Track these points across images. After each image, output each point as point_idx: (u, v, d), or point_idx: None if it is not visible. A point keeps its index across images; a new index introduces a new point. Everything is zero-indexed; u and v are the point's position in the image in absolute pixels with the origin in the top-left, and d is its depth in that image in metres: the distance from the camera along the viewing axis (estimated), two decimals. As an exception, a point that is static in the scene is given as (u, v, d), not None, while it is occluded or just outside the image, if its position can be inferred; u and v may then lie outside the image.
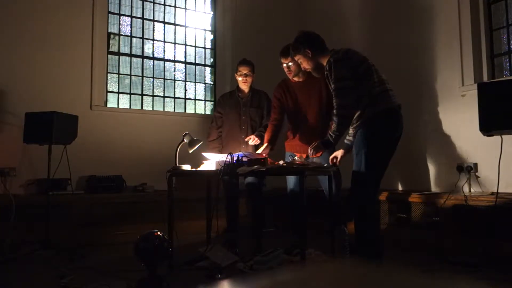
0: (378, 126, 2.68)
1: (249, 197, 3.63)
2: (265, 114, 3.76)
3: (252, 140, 3.53)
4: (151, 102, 5.01)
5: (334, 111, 2.74)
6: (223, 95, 3.98)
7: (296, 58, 2.97)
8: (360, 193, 2.68)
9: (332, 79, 2.72)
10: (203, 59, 5.44)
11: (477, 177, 3.56)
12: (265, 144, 3.41)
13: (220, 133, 3.81)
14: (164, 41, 5.14)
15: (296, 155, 3.40)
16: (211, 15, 5.52)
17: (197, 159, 3.18)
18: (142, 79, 4.96)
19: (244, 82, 3.70)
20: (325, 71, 2.82)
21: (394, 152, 2.79)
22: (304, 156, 3.35)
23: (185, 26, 5.31)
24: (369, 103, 2.68)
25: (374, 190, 2.76)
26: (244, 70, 3.67)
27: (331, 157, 2.97)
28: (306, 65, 2.93)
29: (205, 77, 5.47)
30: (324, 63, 2.86)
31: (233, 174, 2.77)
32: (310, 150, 2.92)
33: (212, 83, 5.48)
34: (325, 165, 3.04)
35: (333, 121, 2.80)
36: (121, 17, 4.85)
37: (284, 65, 3.38)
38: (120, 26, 4.84)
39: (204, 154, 3.11)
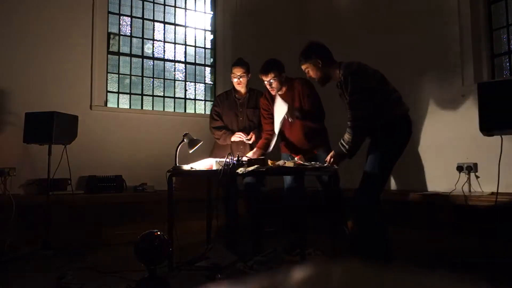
0: (396, 130, 2.73)
1: (247, 197, 3.62)
2: None
3: (250, 138, 3.52)
4: (151, 102, 5.01)
5: (349, 123, 2.72)
6: (219, 95, 3.96)
7: (303, 66, 2.92)
8: (372, 193, 2.70)
9: (347, 92, 2.71)
10: (203, 59, 5.44)
11: (477, 177, 3.56)
12: (255, 149, 3.39)
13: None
14: (164, 41, 5.14)
15: (295, 157, 3.41)
16: (211, 15, 5.52)
17: (197, 159, 3.18)
18: (142, 79, 4.96)
19: (239, 84, 3.66)
20: (338, 83, 2.81)
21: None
22: (298, 157, 3.37)
23: (185, 26, 5.31)
24: (387, 108, 2.71)
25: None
26: (237, 72, 3.63)
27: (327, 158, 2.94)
28: (313, 74, 2.90)
29: (205, 77, 5.47)
30: (331, 75, 2.86)
31: (230, 175, 2.77)
32: (329, 163, 2.88)
33: (212, 83, 5.48)
34: (325, 165, 3.03)
35: (347, 132, 2.76)
36: (121, 17, 4.85)
37: (266, 82, 3.36)
38: (120, 26, 4.84)
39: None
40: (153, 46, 5.07)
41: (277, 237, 3.83)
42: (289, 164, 2.82)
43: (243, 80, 3.65)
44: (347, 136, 2.76)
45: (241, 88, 3.70)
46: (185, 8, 5.33)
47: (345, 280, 0.65)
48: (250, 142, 3.54)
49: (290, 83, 3.42)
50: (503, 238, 2.94)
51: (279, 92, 3.42)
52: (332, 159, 2.86)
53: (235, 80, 3.66)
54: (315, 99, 3.40)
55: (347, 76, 2.71)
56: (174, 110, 5.15)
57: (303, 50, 2.93)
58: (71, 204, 3.82)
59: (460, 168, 3.61)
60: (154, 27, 5.08)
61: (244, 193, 3.60)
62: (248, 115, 3.70)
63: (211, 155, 3.63)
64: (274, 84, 3.34)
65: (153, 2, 5.07)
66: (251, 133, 3.57)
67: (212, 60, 5.49)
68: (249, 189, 3.53)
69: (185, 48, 5.31)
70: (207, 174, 3.15)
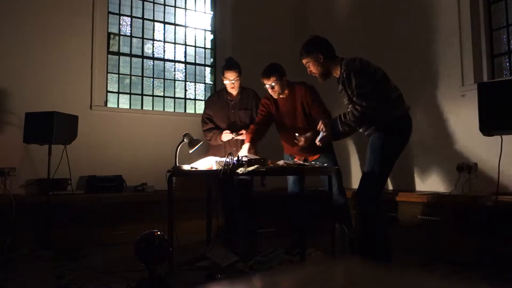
0: (396, 130, 2.72)
1: (240, 194, 3.59)
2: (254, 115, 3.69)
3: (241, 133, 3.50)
4: (151, 102, 5.01)
5: (358, 107, 2.61)
6: (210, 97, 3.91)
7: (304, 61, 2.88)
8: (373, 193, 2.70)
9: (353, 86, 2.67)
10: (203, 59, 5.44)
11: (477, 177, 3.56)
12: (247, 144, 3.32)
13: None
14: (164, 41, 5.14)
15: (295, 158, 3.41)
16: (211, 15, 5.52)
17: (196, 159, 3.18)
18: (142, 79, 4.96)
19: (232, 87, 3.61)
20: (341, 79, 2.79)
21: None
22: (297, 158, 3.37)
23: (185, 26, 5.31)
24: (388, 107, 2.70)
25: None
26: (231, 76, 3.55)
27: (319, 126, 2.80)
28: (313, 69, 2.86)
29: (205, 77, 5.47)
30: (332, 70, 2.84)
31: (228, 175, 2.76)
32: (319, 128, 2.78)
33: (212, 83, 5.48)
34: (325, 165, 3.04)
35: (352, 113, 2.65)
36: (121, 17, 4.85)
37: (267, 85, 3.35)
38: (120, 26, 4.84)
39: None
40: (153, 46, 5.07)
41: (277, 237, 3.84)
42: (289, 164, 2.82)
43: (237, 83, 3.60)
44: (351, 116, 2.64)
45: (234, 91, 3.66)
46: (185, 8, 5.33)
47: (345, 280, 0.65)
48: (242, 137, 3.49)
49: (291, 87, 3.41)
50: (503, 238, 2.94)
51: (281, 96, 3.41)
52: (325, 129, 2.76)
53: (227, 83, 3.60)
54: (320, 103, 3.38)
55: (350, 73, 2.68)
56: (174, 110, 5.15)
57: (305, 44, 2.89)
58: (71, 204, 3.82)
59: (460, 168, 3.60)
60: (154, 27, 5.08)
61: (236, 188, 3.57)
62: (240, 117, 3.66)
63: (207, 155, 3.62)
64: (276, 88, 3.33)
65: (153, 2, 5.07)
66: (243, 130, 3.52)
67: (212, 60, 5.49)
68: (241, 184, 3.51)
69: (185, 48, 5.31)
70: (207, 174, 3.15)
